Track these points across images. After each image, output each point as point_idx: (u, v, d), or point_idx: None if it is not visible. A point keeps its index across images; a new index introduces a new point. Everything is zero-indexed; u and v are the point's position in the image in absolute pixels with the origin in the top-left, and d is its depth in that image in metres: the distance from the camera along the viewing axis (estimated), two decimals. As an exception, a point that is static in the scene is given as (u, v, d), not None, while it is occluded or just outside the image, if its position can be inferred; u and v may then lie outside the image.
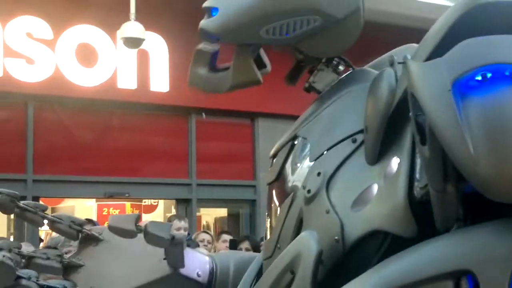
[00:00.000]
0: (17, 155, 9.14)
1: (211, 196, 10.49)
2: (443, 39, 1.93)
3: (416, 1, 9.93)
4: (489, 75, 1.73)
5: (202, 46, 2.65)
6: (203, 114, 10.00)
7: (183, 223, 8.11)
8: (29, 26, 8.85)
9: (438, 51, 1.90)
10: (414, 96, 1.82)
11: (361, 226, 2.11)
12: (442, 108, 1.73)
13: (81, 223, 3.01)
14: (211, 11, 2.51)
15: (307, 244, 2.12)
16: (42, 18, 8.90)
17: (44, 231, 11.46)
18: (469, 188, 1.76)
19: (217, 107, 9.86)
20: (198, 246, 8.08)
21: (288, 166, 2.60)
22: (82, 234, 3.03)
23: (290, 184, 2.57)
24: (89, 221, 7.70)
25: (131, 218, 2.82)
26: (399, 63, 2.24)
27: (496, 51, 1.77)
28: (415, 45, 2.53)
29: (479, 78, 1.74)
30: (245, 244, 7.47)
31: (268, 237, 2.66)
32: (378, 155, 2.21)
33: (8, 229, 10.58)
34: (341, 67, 2.70)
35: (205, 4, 2.56)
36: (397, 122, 2.10)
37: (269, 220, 2.72)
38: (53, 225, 3.02)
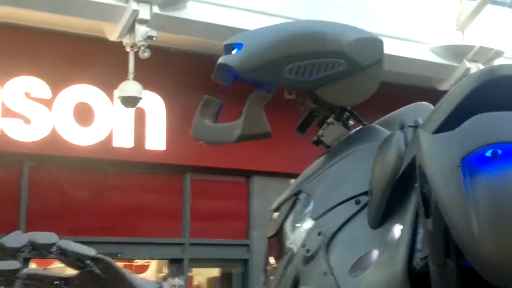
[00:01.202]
0: (10, 215, 8.99)
1: (204, 256, 10.36)
2: (455, 110, 1.89)
3: (387, 56, 10.00)
4: (499, 152, 1.70)
5: (210, 97, 2.63)
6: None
7: (177, 280, 8.01)
8: (27, 86, 8.81)
9: (450, 122, 1.86)
10: (422, 168, 1.79)
11: None
12: (449, 184, 1.70)
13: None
14: (233, 47, 2.48)
15: None
16: (41, 78, 8.87)
17: None
18: (469, 263, 1.72)
19: (212, 165, 9.82)
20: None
21: (289, 222, 2.56)
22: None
23: (289, 241, 2.51)
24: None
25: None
26: (409, 126, 2.24)
27: (509, 128, 1.73)
28: (425, 103, 2.52)
29: (489, 155, 1.70)
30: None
31: None
32: (381, 219, 2.17)
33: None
34: (351, 122, 2.68)
35: (228, 41, 2.51)
36: (403, 188, 2.06)
37: (265, 275, 2.67)
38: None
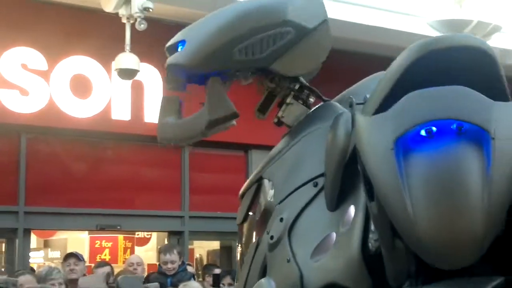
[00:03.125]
0: (9, 187, 9.08)
1: (204, 229, 10.43)
2: (394, 88, 1.84)
3: (384, 29, 9.97)
4: (434, 129, 1.66)
5: (167, 96, 2.53)
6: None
7: (169, 256, 7.99)
8: (24, 57, 8.84)
9: (389, 101, 1.81)
10: (359, 152, 1.77)
11: (319, 278, 2.04)
12: (383, 168, 1.67)
13: None
14: (177, 46, 2.41)
15: None
16: (37, 49, 8.89)
17: (36, 263, 11.38)
18: None
19: (211, 139, 9.81)
20: (193, 277, 8.01)
21: (254, 208, 2.52)
22: None
23: (255, 228, 2.49)
24: (71, 255, 7.68)
25: (101, 277, 2.76)
26: (357, 103, 2.18)
27: (443, 104, 1.69)
28: (383, 73, 2.49)
29: (424, 133, 1.67)
30: (228, 280, 7.42)
31: (238, 280, 2.59)
32: (337, 201, 2.14)
33: (0, 262, 10.50)
34: (311, 99, 2.60)
35: (169, 43, 2.43)
36: (354, 169, 1.97)
37: (239, 261, 2.64)
38: None
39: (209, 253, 12.85)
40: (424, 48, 1.83)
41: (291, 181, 2.33)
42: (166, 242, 10.80)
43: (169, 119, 2.49)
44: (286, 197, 2.32)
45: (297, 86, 2.56)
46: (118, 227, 10.05)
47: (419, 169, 1.63)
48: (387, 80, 1.88)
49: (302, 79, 2.58)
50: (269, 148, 9.36)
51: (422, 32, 10.04)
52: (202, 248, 12.91)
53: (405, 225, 1.63)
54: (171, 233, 10.41)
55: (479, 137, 1.64)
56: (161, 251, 8.35)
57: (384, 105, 1.80)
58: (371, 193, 1.74)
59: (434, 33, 10.15)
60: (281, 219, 2.26)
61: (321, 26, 2.43)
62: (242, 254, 2.59)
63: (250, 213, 2.54)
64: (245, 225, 2.59)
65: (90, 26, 9.08)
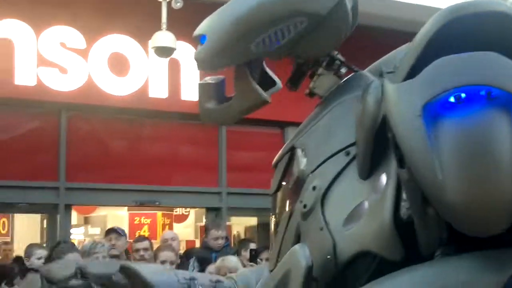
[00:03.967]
0: (50, 163, 9.24)
1: (242, 205, 10.48)
2: (421, 56, 1.84)
3: (410, 5, 9.86)
4: (463, 95, 1.66)
5: (203, 79, 2.58)
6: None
7: (221, 233, 8.09)
8: (62, 36, 8.97)
9: (416, 68, 1.82)
10: (388, 119, 1.79)
11: (351, 245, 2.05)
12: (411, 134, 1.68)
13: None
14: (200, 40, 2.41)
15: (296, 261, 2.11)
16: (75, 28, 9.02)
17: (76, 239, 11.58)
18: None
19: (247, 116, 9.86)
20: (237, 253, 8.01)
21: (287, 177, 2.53)
22: None
23: (288, 197, 2.50)
24: (112, 230, 7.78)
25: (71, 265, 2.80)
26: (387, 72, 2.18)
27: (472, 70, 1.69)
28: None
29: (453, 100, 1.67)
30: (265, 254, 7.48)
31: (272, 249, 2.59)
32: (370, 169, 2.14)
33: (42, 237, 10.70)
34: (342, 70, 2.59)
35: (194, 34, 2.47)
36: (385, 136, 1.99)
37: (272, 231, 2.67)
38: None
39: (247, 229, 12.92)
40: (449, 14, 1.81)
41: (323, 150, 2.34)
42: (204, 219, 10.90)
43: (207, 104, 2.54)
44: (319, 166, 2.33)
45: (327, 58, 2.57)
46: (157, 203, 10.15)
47: (448, 134, 1.64)
48: (414, 48, 1.88)
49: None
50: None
51: (426, 3, 9.89)
52: (240, 225, 12.98)
53: (435, 191, 1.63)
54: (209, 210, 10.49)
55: (509, 103, 1.64)
56: (212, 226, 8.40)
57: (412, 73, 1.81)
58: (401, 159, 1.75)
59: (441, 4, 10.00)
60: (314, 188, 2.27)
61: (337, 8, 2.43)
62: (275, 224, 2.62)
63: (284, 183, 2.58)
64: (279, 195, 2.60)
65: (126, 4, 9.14)
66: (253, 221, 12.26)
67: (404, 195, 1.88)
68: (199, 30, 2.45)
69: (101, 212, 12.72)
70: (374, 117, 2.06)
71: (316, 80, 2.57)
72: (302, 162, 2.41)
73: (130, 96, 9.32)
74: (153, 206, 10.85)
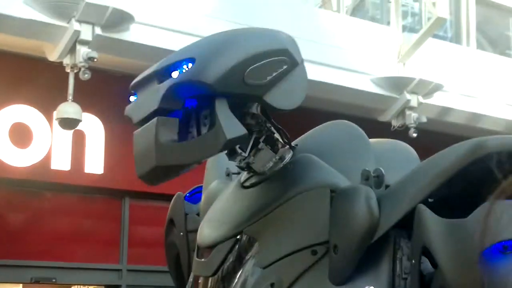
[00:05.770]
0: None
1: (142, 283, 10.19)
2: (449, 181, 1.89)
3: (328, 84, 10.08)
4: (509, 247, 1.71)
5: (164, 117, 2.32)
6: None
7: None
8: (-38, 105, 8.64)
9: (441, 191, 1.88)
10: (430, 251, 1.80)
11: None
12: (467, 276, 1.71)
13: None
14: (179, 65, 2.24)
15: None
16: (-24, 97, 8.71)
17: None
18: None
19: (152, 190, 9.69)
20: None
21: (229, 265, 2.45)
22: None
23: (229, 286, 2.41)
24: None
25: None
26: (375, 176, 2.15)
27: None
28: (341, 122, 2.46)
29: (500, 248, 1.72)
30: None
31: None
32: (348, 277, 2.10)
33: None
34: (279, 145, 2.54)
35: (175, 59, 2.27)
36: (376, 248, 2.01)
37: None
38: None
39: (146, 308, 12.57)
40: (480, 149, 1.87)
41: (282, 245, 2.26)
42: (103, 296, 10.57)
43: (168, 141, 2.29)
44: (277, 261, 2.24)
45: (270, 126, 2.50)
46: (54, 280, 9.77)
47: (498, 283, 1.68)
48: (443, 170, 1.91)
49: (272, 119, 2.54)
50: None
51: (365, 88, 10.18)
52: (140, 303, 12.63)
53: None
54: (108, 287, 10.17)
55: None
56: None
57: (437, 194, 1.86)
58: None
59: (377, 90, 10.29)
60: (272, 284, 2.20)
61: (302, 64, 2.39)
62: None
63: (224, 268, 2.47)
64: (213, 279, 2.50)
65: (32, 74, 8.92)
66: (154, 299, 11.98)
67: None
68: (182, 55, 2.28)
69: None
70: (371, 230, 2.02)
71: (256, 155, 2.48)
72: (251, 250, 2.32)
73: (32, 167, 9.01)
74: (50, 284, 10.43)
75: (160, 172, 2.32)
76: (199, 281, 2.62)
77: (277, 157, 2.49)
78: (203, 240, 2.55)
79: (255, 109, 2.45)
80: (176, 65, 2.25)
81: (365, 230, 2.02)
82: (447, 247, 1.76)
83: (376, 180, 2.10)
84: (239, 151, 2.47)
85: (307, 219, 2.26)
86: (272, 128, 2.49)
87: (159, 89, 2.26)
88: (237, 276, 2.38)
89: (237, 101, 2.36)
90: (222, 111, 2.26)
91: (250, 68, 2.24)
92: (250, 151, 2.49)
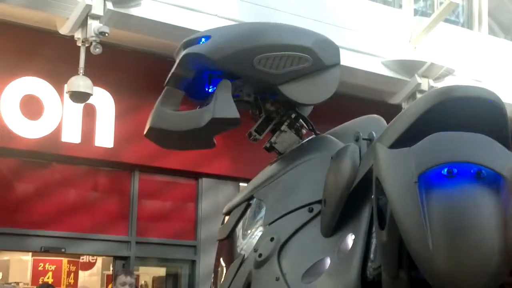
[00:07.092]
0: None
1: (150, 255, 10.33)
2: (410, 128, 1.99)
3: (364, 72, 10.10)
4: (455, 171, 1.79)
5: (172, 87, 2.64)
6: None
7: (129, 279, 7.95)
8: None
9: (405, 138, 1.96)
10: (379, 181, 1.88)
11: None
12: (406, 199, 1.78)
13: None
14: (198, 41, 2.51)
15: None
16: (-13, 68, 8.80)
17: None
18: (421, 275, 1.80)
19: (162, 165, 9.81)
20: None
21: (240, 226, 2.62)
22: None
23: (240, 246, 2.57)
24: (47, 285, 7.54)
25: None
26: (364, 139, 2.31)
27: (465, 149, 1.82)
28: (376, 117, 2.60)
29: (445, 173, 1.79)
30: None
31: None
32: (334, 228, 2.24)
33: None
34: (303, 131, 2.74)
35: (189, 37, 2.54)
36: (357, 198, 2.13)
37: (215, 276, 2.70)
38: None
39: (155, 279, 12.70)
40: (442, 95, 1.98)
41: (285, 204, 2.43)
42: (111, 267, 10.68)
43: (168, 108, 2.57)
44: (278, 218, 2.41)
45: (293, 115, 2.66)
46: (63, 250, 9.90)
47: (439, 206, 1.76)
48: (405, 119, 2.03)
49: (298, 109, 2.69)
50: (220, 177, 9.37)
51: (376, 71, 10.16)
52: (148, 275, 12.76)
53: (424, 256, 1.73)
54: (117, 258, 10.27)
55: (496, 182, 1.77)
56: (121, 272, 8.26)
57: (400, 142, 1.95)
58: (382, 221, 1.85)
59: (388, 73, 10.28)
60: (272, 239, 2.35)
61: (334, 69, 2.53)
62: (220, 270, 2.64)
63: (237, 230, 2.62)
64: (228, 241, 2.64)
65: (44, 47, 9.00)
66: (161, 271, 12.09)
67: (372, 256, 2.00)
68: (200, 34, 2.55)
69: (4, 256, 12.31)
70: (350, 180, 2.19)
71: (279, 136, 2.70)
72: (260, 212, 2.47)
73: (42, 139, 9.11)
74: (59, 253, 10.57)
75: (155, 134, 2.61)
76: (219, 246, 2.76)
77: (301, 142, 2.68)
78: (224, 209, 2.74)
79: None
80: (199, 39, 2.52)
81: (345, 179, 2.19)
82: (390, 172, 1.86)
83: (368, 142, 2.26)
84: (254, 133, 2.69)
85: (308, 181, 2.47)
86: (296, 116, 2.66)
87: (179, 57, 2.57)
88: (247, 237, 2.53)
89: (255, 86, 2.59)
90: (222, 91, 2.51)
91: (262, 55, 2.45)
92: (273, 134, 2.71)
